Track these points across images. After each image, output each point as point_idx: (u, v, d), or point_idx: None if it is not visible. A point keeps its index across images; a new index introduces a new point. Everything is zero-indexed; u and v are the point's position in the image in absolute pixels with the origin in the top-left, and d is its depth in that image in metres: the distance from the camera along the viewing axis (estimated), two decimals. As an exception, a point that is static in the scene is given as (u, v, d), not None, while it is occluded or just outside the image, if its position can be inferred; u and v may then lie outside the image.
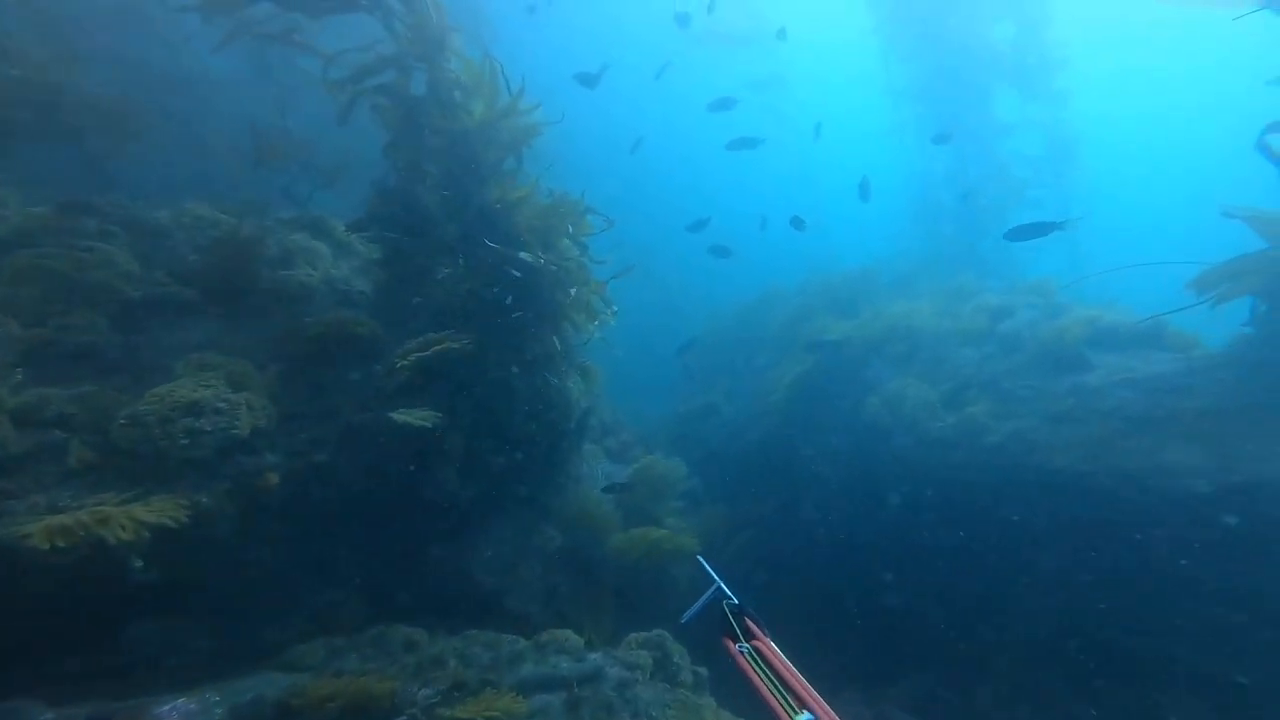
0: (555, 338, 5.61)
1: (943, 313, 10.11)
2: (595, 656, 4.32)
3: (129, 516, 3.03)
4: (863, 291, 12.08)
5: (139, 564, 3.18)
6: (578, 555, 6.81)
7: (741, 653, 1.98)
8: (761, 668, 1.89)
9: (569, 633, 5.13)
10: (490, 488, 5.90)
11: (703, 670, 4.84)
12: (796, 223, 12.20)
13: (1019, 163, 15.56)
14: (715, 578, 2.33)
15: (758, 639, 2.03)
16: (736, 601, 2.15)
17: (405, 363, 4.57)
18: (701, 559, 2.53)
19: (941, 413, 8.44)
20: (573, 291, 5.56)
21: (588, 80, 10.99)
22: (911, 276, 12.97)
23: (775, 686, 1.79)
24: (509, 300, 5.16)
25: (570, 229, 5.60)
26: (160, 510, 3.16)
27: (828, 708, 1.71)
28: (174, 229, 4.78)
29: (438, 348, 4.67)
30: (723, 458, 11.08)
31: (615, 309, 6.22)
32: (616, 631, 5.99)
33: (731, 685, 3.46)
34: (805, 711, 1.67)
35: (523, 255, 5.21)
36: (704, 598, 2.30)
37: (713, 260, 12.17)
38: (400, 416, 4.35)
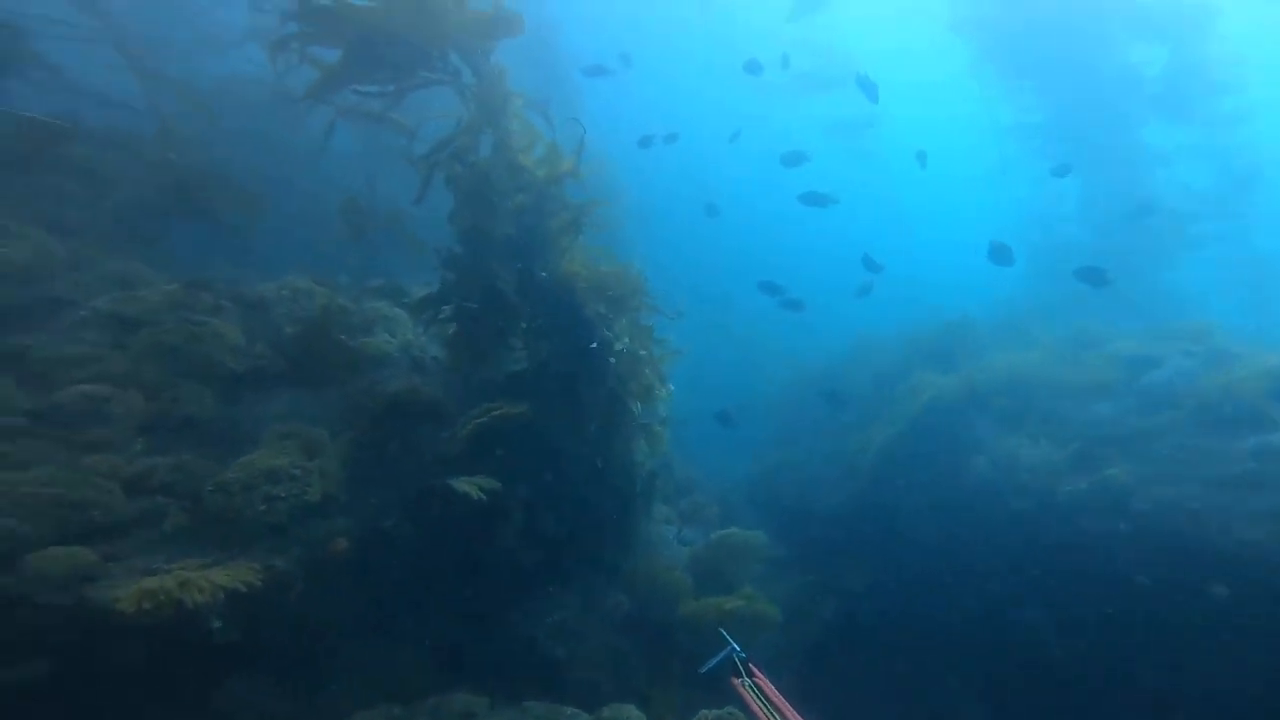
0: (617, 406, 5.54)
1: (1062, 363, 8.99)
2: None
3: (206, 580, 3.25)
4: (964, 342, 11.05)
5: (218, 624, 3.38)
6: (647, 622, 6.53)
7: (744, 686, 2.58)
8: (760, 698, 2.46)
9: (631, 708, 4.88)
10: (553, 552, 5.84)
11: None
12: (869, 264, 11.75)
13: (1180, 195, 13.83)
14: (729, 641, 2.89)
15: (758, 678, 2.61)
16: (744, 655, 2.77)
17: (466, 430, 4.67)
18: (722, 631, 3.09)
19: (1068, 475, 7.39)
20: (637, 364, 5.50)
21: (599, 72, 10.93)
22: (1022, 324, 11.71)
23: (770, 710, 2.35)
24: (571, 370, 5.18)
25: (634, 303, 5.61)
26: (235, 574, 3.37)
27: None
28: (275, 302, 5.31)
29: (496, 414, 4.74)
30: (805, 519, 10.42)
31: (671, 387, 6.15)
32: (687, 704, 5.67)
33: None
34: None
35: (587, 321, 5.23)
36: (720, 655, 2.88)
37: (793, 314, 11.74)
38: (460, 485, 4.42)
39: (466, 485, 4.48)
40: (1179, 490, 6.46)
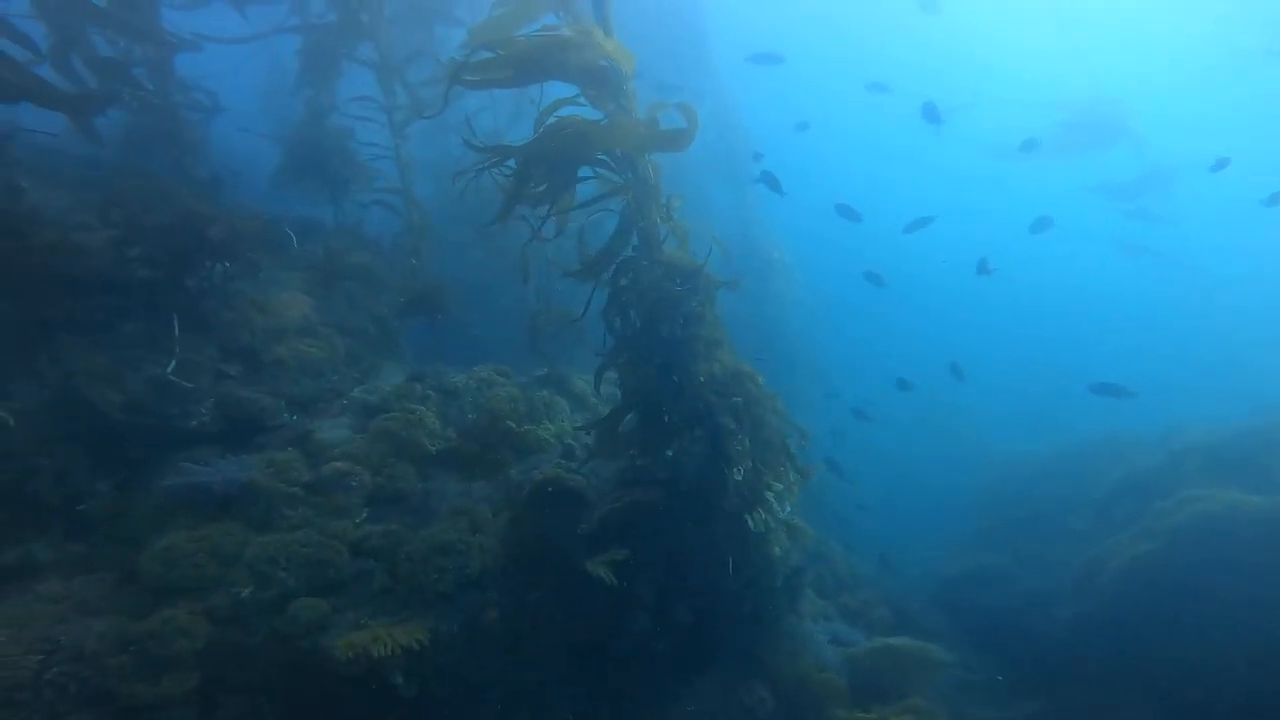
0: (756, 497, 5.57)
1: None
2: None
3: (389, 635, 4.08)
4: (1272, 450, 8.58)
5: (400, 679, 4.19)
6: (792, 722, 6.21)
7: None
8: None
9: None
10: (688, 641, 5.93)
11: None
12: (983, 268, 10.21)
13: None
14: None
15: None
16: None
17: (602, 514, 5.13)
18: None
19: None
20: (759, 480, 5.53)
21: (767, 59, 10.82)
22: None
23: None
24: (702, 475, 5.40)
25: (776, 409, 5.70)
26: (410, 633, 4.16)
27: None
28: (465, 390, 6.42)
29: (630, 500, 5.11)
30: (1014, 635, 8.88)
31: (804, 477, 5.97)
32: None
33: None
34: None
35: (717, 432, 5.43)
36: None
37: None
38: (593, 568, 4.84)
39: (598, 568, 4.89)
40: None
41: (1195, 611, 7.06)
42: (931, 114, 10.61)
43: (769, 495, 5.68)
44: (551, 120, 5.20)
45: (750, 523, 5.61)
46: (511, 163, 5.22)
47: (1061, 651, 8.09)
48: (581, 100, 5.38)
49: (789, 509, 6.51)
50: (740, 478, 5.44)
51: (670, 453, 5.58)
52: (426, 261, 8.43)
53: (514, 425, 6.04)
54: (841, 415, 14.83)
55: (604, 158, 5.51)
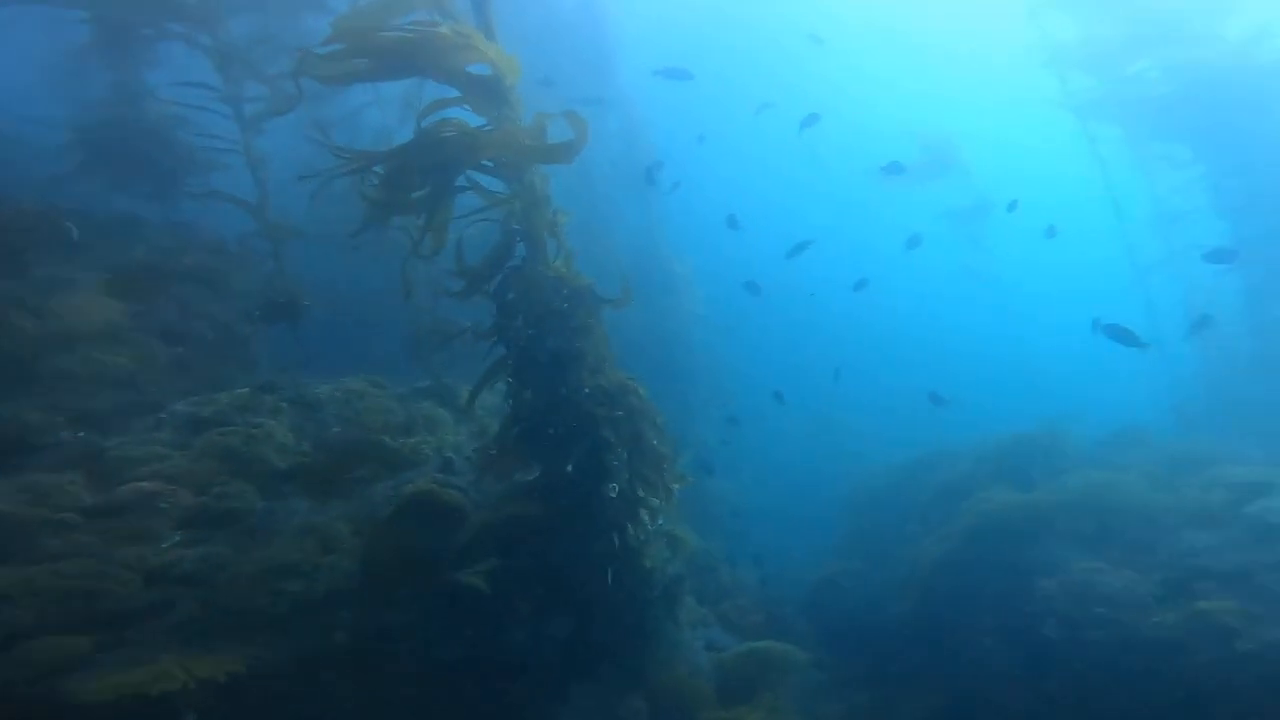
0: (632, 511, 5.63)
1: (1155, 486, 7.99)
2: None
3: (184, 669, 3.58)
4: (1046, 458, 9.95)
5: (192, 716, 3.66)
6: (663, 729, 6.25)
7: None
8: None
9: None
10: (566, 655, 5.82)
11: None
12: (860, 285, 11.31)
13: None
14: None
15: None
16: None
17: (478, 528, 4.93)
18: None
19: (1155, 608, 6.44)
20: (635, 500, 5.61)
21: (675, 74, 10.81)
22: (1132, 438, 10.41)
23: None
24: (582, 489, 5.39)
25: (655, 423, 5.82)
26: (220, 664, 3.69)
27: None
28: (328, 403, 5.96)
29: (508, 514, 4.97)
30: (861, 631, 9.63)
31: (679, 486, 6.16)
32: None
33: None
34: None
35: (598, 445, 5.46)
36: None
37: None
38: (466, 578, 4.63)
39: (472, 579, 4.68)
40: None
41: (976, 603, 7.84)
42: (810, 122, 11.42)
43: (647, 508, 5.76)
44: (429, 122, 5.03)
45: (628, 534, 5.64)
46: (380, 168, 4.97)
47: (890, 647, 8.75)
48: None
49: (666, 520, 6.67)
50: (618, 491, 5.47)
51: (553, 466, 5.51)
52: (287, 264, 7.75)
53: (387, 439, 5.71)
54: (733, 427, 15.41)
55: (489, 165, 5.35)
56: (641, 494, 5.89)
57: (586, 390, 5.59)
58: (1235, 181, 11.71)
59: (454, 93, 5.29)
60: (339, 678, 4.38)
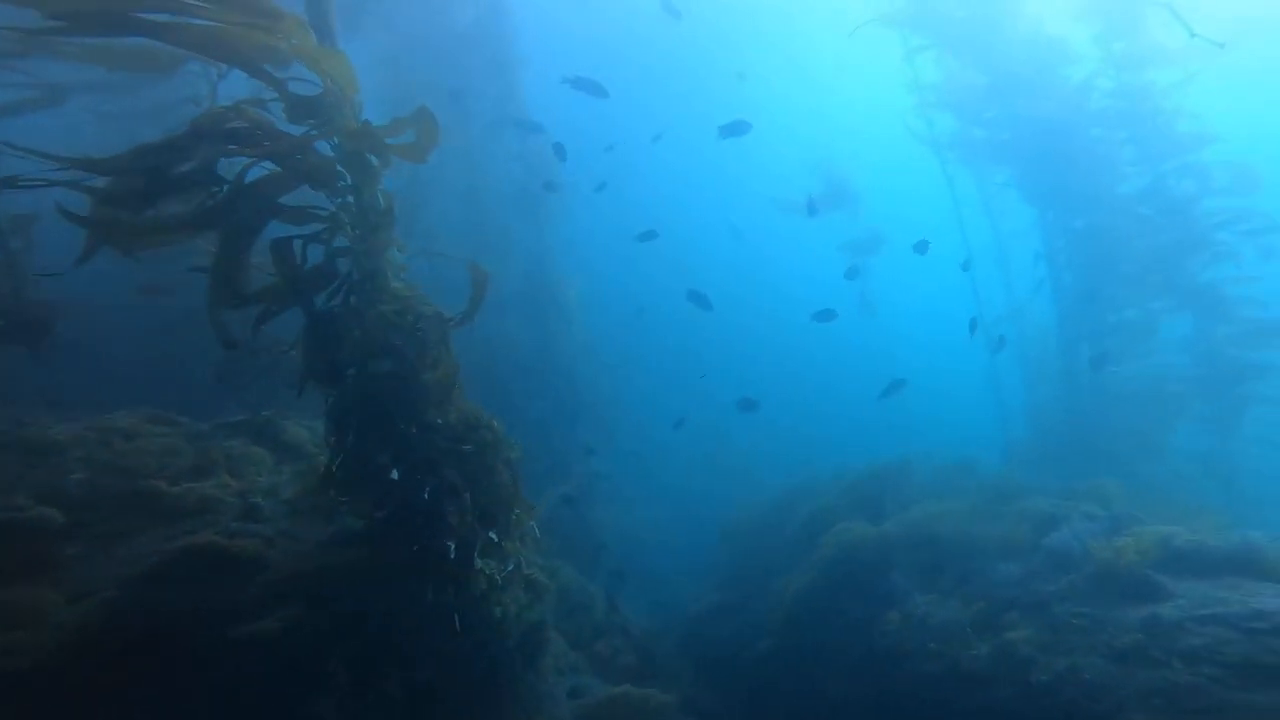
0: (473, 557, 5.44)
1: (979, 517, 8.88)
2: None
3: None
4: (897, 488, 10.86)
5: None
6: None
7: None
8: None
9: None
10: (407, 715, 5.47)
11: None
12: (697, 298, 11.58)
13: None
14: None
15: None
16: None
17: (280, 582, 4.52)
18: None
19: (973, 639, 7.10)
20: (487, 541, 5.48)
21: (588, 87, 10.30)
22: (972, 471, 11.51)
23: None
24: (424, 519, 5.16)
25: (509, 459, 5.68)
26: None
27: None
28: (71, 445, 4.94)
29: (320, 562, 4.60)
30: (737, 667, 9.82)
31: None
32: None
33: None
34: None
35: (448, 475, 5.29)
36: None
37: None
38: (261, 627, 4.16)
39: (259, 633, 4.18)
40: (1077, 660, 6.19)
41: (835, 635, 8.28)
42: (732, 130, 11.31)
43: (494, 552, 5.61)
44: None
45: (473, 581, 5.46)
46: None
47: (761, 684, 9.02)
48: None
49: (531, 560, 6.50)
50: (462, 534, 5.29)
51: (386, 508, 5.23)
52: (30, 270, 6.45)
53: (164, 485, 5.00)
54: (617, 455, 15.28)
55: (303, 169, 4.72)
56: (494, 537, 5.75)
57: (437, 422, 5.40)
58: (1057, 229, 13.05)
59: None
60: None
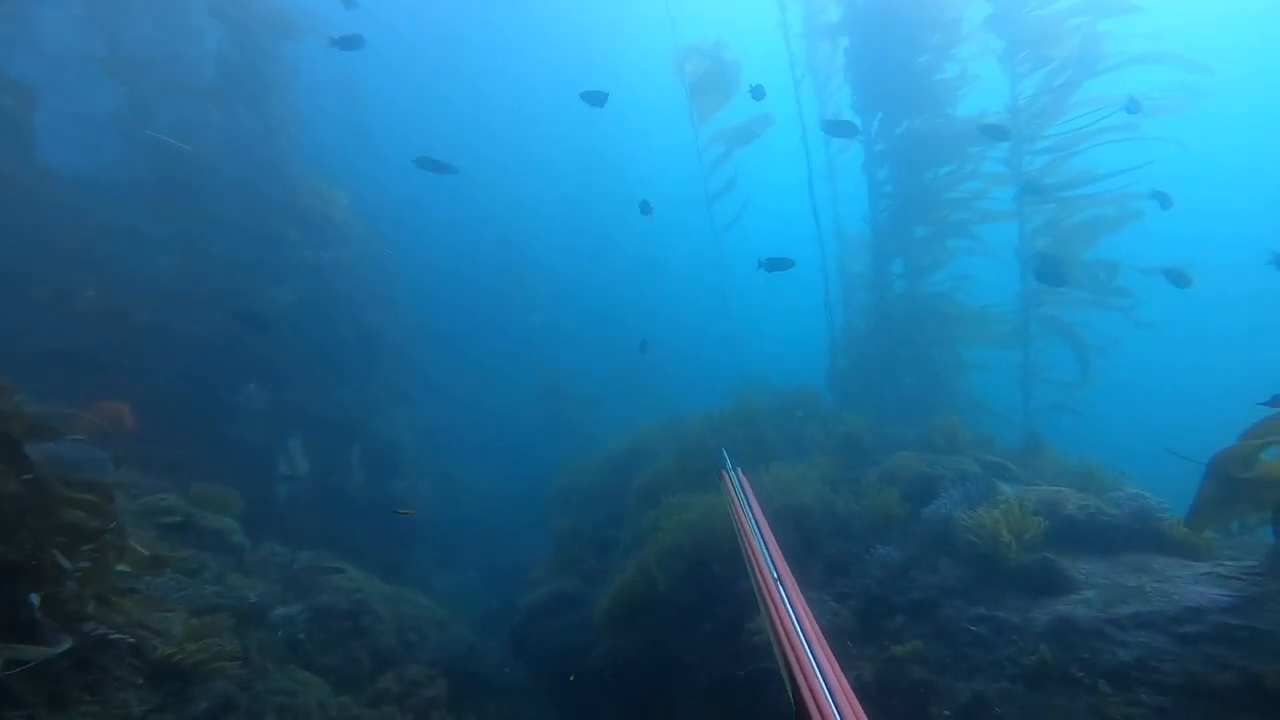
0: None
1: (838, 483, 7.61)
2: None
3: None
4: (747, 440, 9.27)
5: None
6: None
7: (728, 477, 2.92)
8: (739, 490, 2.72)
9: None
10: None
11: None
12: (643, 346, 11.99)
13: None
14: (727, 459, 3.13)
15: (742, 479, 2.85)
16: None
17: None
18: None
19: (856, 655, 5.78)
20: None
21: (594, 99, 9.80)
22: (812, 409, 10.41)
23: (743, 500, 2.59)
24: None
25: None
26: None
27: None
28: None
29: None
30: (578, 675, 7.99)
31: None
32: None
33: None
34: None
35: None
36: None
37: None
38: None
39: None
40: (983, 687, 5.00)
41: (683, 651, 6.80)
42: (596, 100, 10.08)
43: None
44: None
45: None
46: None
47: (599, 704, 7.46)
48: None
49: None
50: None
51: None
52: None
53: None
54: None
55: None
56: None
57: None
58: (881, 135, 11.78)
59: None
60: None
